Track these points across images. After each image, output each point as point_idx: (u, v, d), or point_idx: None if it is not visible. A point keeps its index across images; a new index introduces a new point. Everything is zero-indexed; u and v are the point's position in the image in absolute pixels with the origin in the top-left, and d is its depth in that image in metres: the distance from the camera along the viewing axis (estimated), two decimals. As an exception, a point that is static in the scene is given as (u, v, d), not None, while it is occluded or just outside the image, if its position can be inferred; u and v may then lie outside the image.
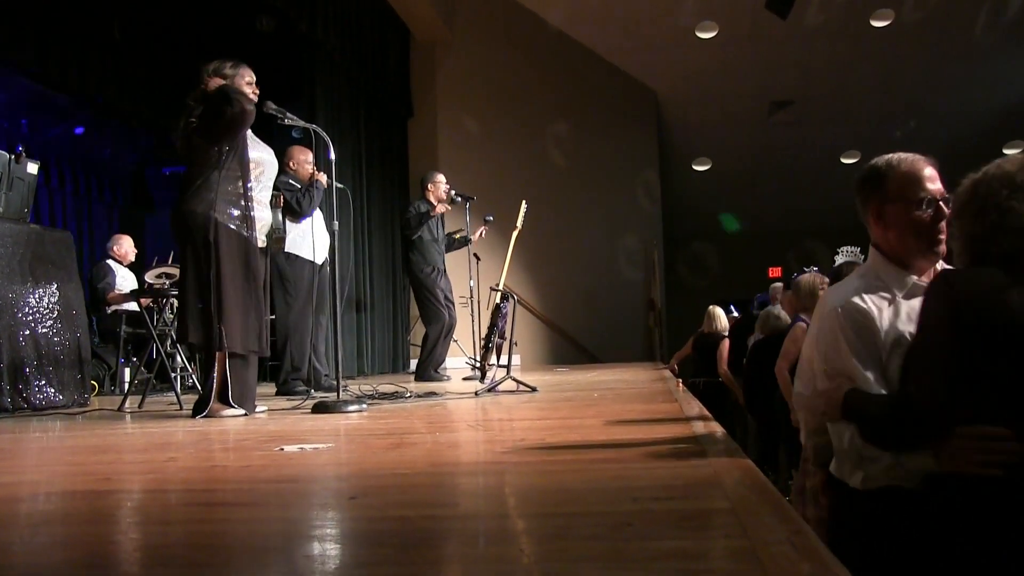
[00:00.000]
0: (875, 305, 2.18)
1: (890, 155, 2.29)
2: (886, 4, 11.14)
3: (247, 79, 4.37)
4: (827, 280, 5.20)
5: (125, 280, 7.77)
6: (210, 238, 4.08)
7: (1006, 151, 13.79)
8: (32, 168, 5.43)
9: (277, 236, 4.59)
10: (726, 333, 8.61)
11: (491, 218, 7.89)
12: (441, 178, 7.73)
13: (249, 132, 4.40)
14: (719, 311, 8.88)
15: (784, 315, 6.20)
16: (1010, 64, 12.28)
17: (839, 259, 5.07)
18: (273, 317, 5.72)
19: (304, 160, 6.31)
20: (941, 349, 1.84)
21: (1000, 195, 1.87)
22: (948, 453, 1.83)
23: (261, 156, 4.40)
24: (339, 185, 6.08)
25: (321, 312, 6.20)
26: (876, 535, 1.96)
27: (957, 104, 12.86)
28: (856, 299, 2.19)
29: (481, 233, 7.90)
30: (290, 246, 5.96)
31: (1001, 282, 1.77)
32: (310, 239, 5.97)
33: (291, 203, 5.87)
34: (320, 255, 6.12)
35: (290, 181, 6.10)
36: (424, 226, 7.43)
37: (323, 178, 6.11)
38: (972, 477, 1.76)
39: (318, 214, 6.17)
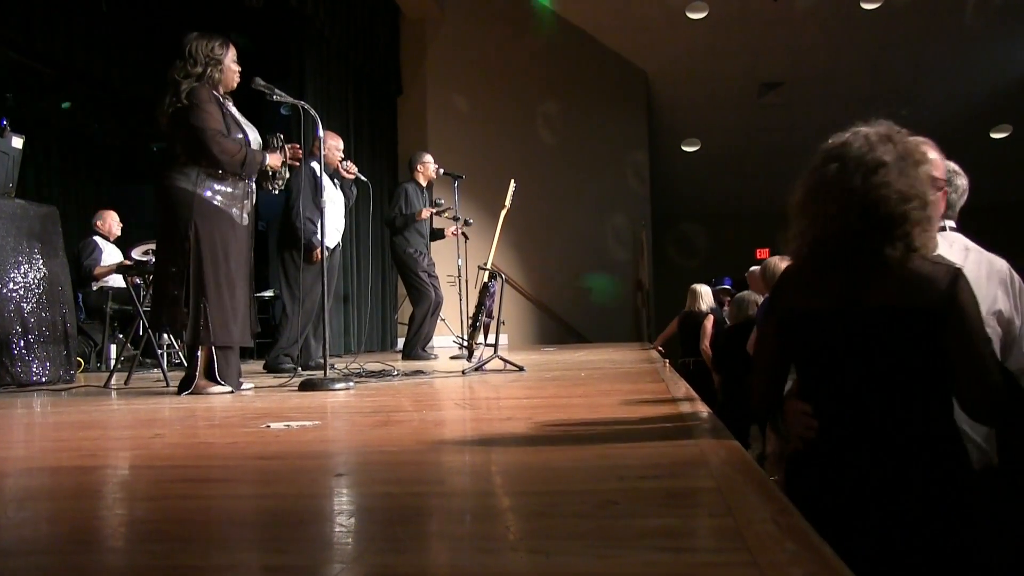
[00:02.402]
0: None
1: None
2: (877, -14, 11.14)
3: (232, 57, 4.36)
4: None
5: (111, 256, 7.73)
6: (191, 220, 4.05)
7: (993, 135, 13.85)
8: (17, 142, 5.38)
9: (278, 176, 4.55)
10: (706, 310, 8.58)
11: (472, 222, 7.85)
12: (429, 158, 7.69)
13: (235, 110, 4.37)
14: (702, 289, 8.82)
15: (758, 299, 6.18)
16: (999, 48, 12.30)
17: None
18: (276, 294, 5.73)
19: (335, 146, 6.31)
20: (766, 336, 2.10)
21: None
22: (784, 424, 2.01)
23: (251, 136, 4.37)
24: (362, 178, 6.10)
25: (328, 296, 6.19)
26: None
27: (946, 87, 12.88)
28: None
29: (455, 231, 7.83)
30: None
31: (793, 275, 2.01)
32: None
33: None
34: (332, 239, 6.11)
35: (314, 163, 6.09)
36: (410, 207, 7.40)
37: (352, 168, 6.15)
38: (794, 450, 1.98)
39: (334, 199, 6.16)
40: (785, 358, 2.06)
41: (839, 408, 1.90)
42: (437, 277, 7.57)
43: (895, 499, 1.81)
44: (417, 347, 7.35)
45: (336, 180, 6.31)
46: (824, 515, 1.79)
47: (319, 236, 6.01)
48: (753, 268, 7.27)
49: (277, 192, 4.72)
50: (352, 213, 9.49)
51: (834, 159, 1.91)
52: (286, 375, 5.20)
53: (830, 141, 1.97)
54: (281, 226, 6.26)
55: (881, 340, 1.85)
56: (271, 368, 5.90)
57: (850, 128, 1.98)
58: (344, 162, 6.33)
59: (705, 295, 8.72)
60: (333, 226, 6.10)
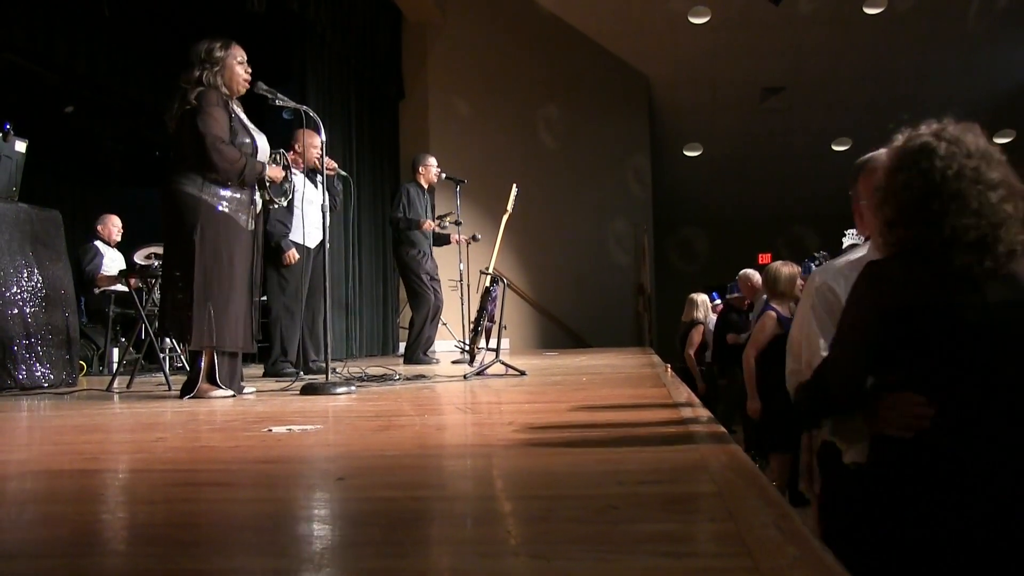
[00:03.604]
0: None
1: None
2: (879, -9, 11.16)
3: (238, 59, 4.32)
4: (799, 269, 5.23)
5: (113, 261, 7.73)
6: (196, 225, 4.05)
7: (996, 140, 13.82)
8: (20, 146, 5.39)
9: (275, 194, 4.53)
10: (701, 319, 8.63)
11: (479, 237, 7.85)
12: (432, 161, 7.68)
13: (244, 116, 4.37)
14: (699, 298, 8.88)
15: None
16: (1001, 53, 12.31)
17: (846, 241, 5.05)
18: (265, 299, 5.71)
19: (311, 144, 6.27)
20: (865, 328, 1.99)
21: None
22: (873, 416, 1.96)
23: (258, 142, 4.37)
24: (343, 173, 6.07)
25: (315, 296, 6.17)
26: (857, 511, 2.00)
27: (948, 92, 12.87)
28: (832, 282, 2.27)
29: (460, 238, 7.83)
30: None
31: (917, 272, 1.92)
32: (301, 224, 5.95)
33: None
34: (312, 239, 6.09)
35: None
36: (412, 208, 7.40)
37: (332, 164, 6.11)
38: (893, 440, 1.91)
39: (311, 199, 6.14)
40: (875, 353, 1.97)
41: (962, 400, 1.84)
42: (439, 280, 7.56)
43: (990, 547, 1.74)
44: (418, 351, 7.34)
45: (318, 178, 6.24)
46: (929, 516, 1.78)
47: (289, 239, 6.03)
48: (743, 271, 7.28)
49: (277, 207, 4.70)
50: (353, 217, 9.52)
51: (965, 156, 1.87)
52: (288, 379, 5.20)
53: (925, 140, 1.92)
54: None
55: (1004, 334, 1.83)
56: (272, 374, 5.90)
57: (929, 124, 1.95)
58: (323, 159, 6.28)
59: (700, 304, 8.75)
60: (312, 225, 6.06)
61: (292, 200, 4.60)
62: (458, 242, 7.81)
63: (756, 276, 7.09)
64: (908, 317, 1.89)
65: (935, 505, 1.79)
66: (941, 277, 1.87)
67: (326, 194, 4.68)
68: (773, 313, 5.22)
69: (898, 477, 1.89)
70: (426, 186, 7.60)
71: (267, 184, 4.37)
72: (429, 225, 7.39)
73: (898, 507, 1.84)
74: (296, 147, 6.06)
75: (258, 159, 4.32)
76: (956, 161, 1.86)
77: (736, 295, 8.28)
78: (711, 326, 8.62)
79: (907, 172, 1.92)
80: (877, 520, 1.88)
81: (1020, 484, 1.77)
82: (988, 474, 1.78)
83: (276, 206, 4.65)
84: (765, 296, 6.42)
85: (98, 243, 7.83)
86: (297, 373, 5.56)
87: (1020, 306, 1.83)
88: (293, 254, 6.00)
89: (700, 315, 8.72)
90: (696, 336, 8.50)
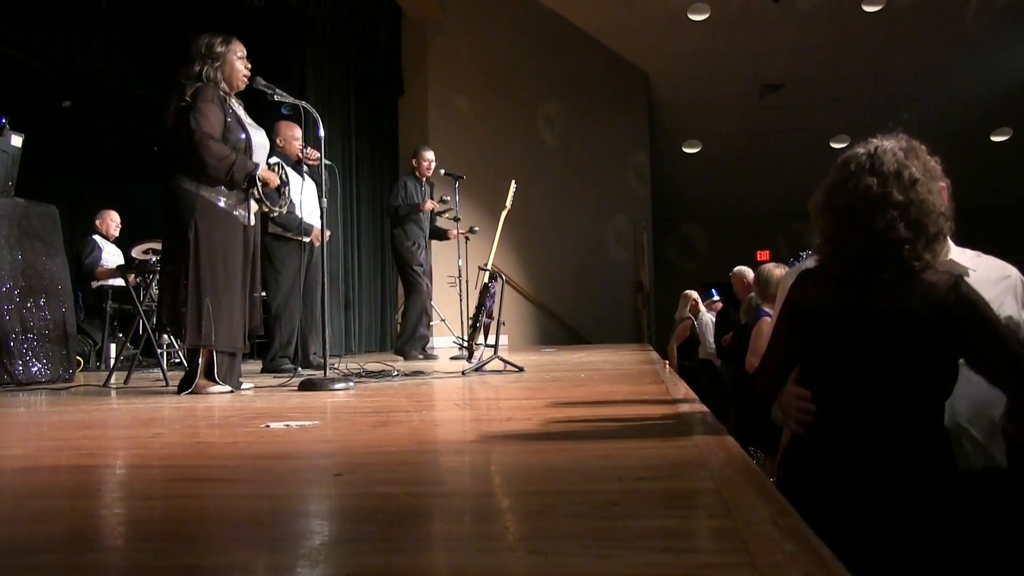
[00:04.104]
0: None
1: None
2: (878, -12, 11.16)
3: (238, 54, 4.31)
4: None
5: (111, 256, 7.73)
6: (194, 221, 4.04)
7: (994, 138, 13.85)
8: (16, 141, 5.38)
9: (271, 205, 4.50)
10: (689, 315, 8.66)
11: (477, 230, 7.86)
12: (427, 155, 7.66)
13: (244, 114, 4.36)
14: (688, 295, 8.89)
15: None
16: (999, 51, 12.31)
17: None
18: (263, 294, 5.70)
19: (291, 136, 6.25)
20: (781, 329, 2.20)
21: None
22: (782, 409, 2.12)
23: (256, 138, 4.35)
24: (327, 162, 6.05)
25: (312, 291, 6.17)
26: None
27: (947, 90, 12.89)
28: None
29: (457, 233, 7.86)
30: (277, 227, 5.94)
31: (813, 274, 2.12)
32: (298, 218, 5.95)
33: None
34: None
35: (274, 158, 6.07)
36: (409, 199, 7.41)
37: (315, 154, 6.06)
38: (824, 394, 2.05)
39: (307, 193, 6.14)
40: (792, 351, 2.15)
41: (836, 401, 2.00)
42: (429, 273, 7.59)
43: (881, 493, 1.89)
44: (412, 344, 7.37)
45: (304, 170, 6.26)
46: (814, 504, 1.86)
47: (306, 221, 6.02)
48: (737, 268, 7.28)
49: (274, 214, 4.66)
50: (351, 214, 9.53)
51: (870, 173, 1.97)
52: (286, 375, 5.20)
53: (855, 151, 2.05)
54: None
55: (883, 340, 1.94)
56: (270, 370, 5.89)
57: (865, 140, 2.06)
58: (305, 149, 6.28)
59: (689, 301, 8.77)
60: (308, 220, 6.07)
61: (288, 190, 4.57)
62: (456, 237, 7.82)
63: (749, 273, 7.10)
64: (805, 318, 2.08)
65: (815, 493, 1.94)
66: (834, 282, 2.02)
67: (322, 185, 4.67)
68: (767, 318, 5.21)
69: (794, 467, 2.09)
70: (423, 179, 7.60)
71: (260, 187, 4.26)
72: (429, 204, 7.42)
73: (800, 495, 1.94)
74: (278, 141, 6.06)
75: (256, 156, 4.32)
76: (857, 178, 1.98)
77: (715, 299, 8.41)
78: (708, 322, 8.64)
79: (827, 182, 2.08)
80: (817, 473, 2.01)
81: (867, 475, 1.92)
82: (848, 481, 1.93)
83: (275, 215, 4.60)
84: (752, 297, 6.45)
85: (97, 237, 7.83)
86: (295, 369, 5.56)
87: (904, 316, 1.92)
88: (317, 232, 6.01)
89: (688, 310, 8.75)
90: (682, 331, 8.54)
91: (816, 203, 2.08)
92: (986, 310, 1.94)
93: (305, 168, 6.30)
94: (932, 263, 1.96)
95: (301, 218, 5.98)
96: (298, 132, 6.32)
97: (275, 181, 4.37)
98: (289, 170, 6.13)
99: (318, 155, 6.14)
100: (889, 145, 2.02)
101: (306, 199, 6.09)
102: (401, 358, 7.23)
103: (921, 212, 1.94)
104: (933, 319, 1.89)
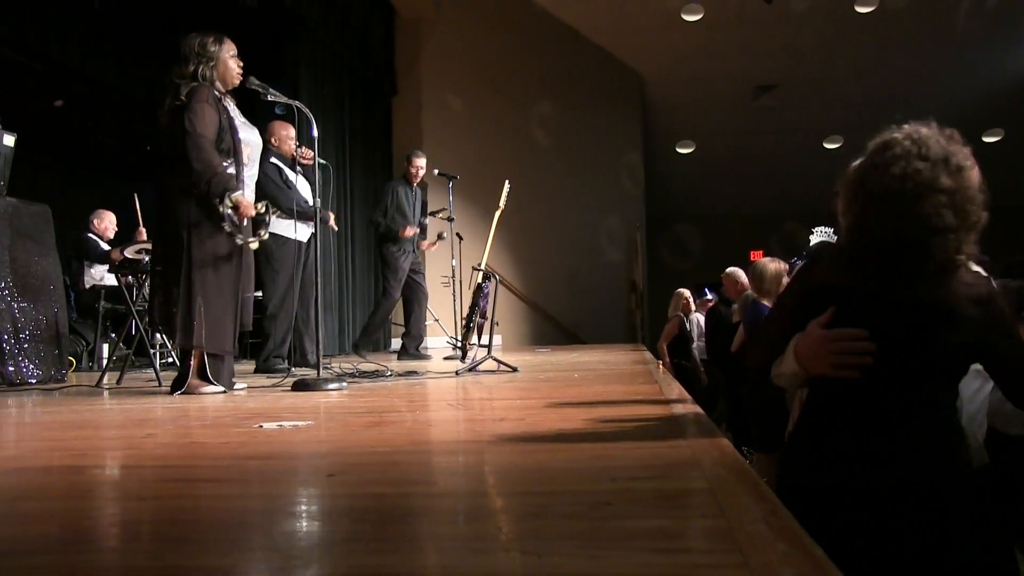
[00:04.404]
0: None
1: None
2: (871, -11, 11.19)
3: (231, 53, 4.31)
4: (787, 265, 5.21)
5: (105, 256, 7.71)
6: (186, 221, 4.02)
7: (986, 139, 13.90)
8: (8, 140, 5.36)
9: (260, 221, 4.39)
10: (679, 313, 8.66)
11: (444, 235, 7.81)
12: (420, 163, 7.56)
13: (237, 112, 4.34)
14: (680, 293, 8.88)
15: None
16: (991, 52, 12.36)
17: (813, 239, 5.06)
18: (259, 294, 5.68)
19: (286, 136, 6.25)
20: (789, 303, 2.08)
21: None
22: (807, 356, 1.91)
23: (248, 137, 4.34)
24: (321, 161, 6.04)
25: (307, 291, 6.16)
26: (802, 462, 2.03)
27: (939, 91, 12.92)
28: None
29: (431, 245, 7.83)
30: (274, 226, 5.92)
31: (838, 255, 2.02)
32: (293, 220, 5.93)
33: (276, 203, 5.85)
34: (304, 233, 6.08)
35: (273, 159, 6.06)
36: (399, 209, 7.35)
37: (309, 154, 6.04)
38: (832, 384, 1.91)
39: (302, 193, 6.13)
40: (796, 330, 2.00)
41: (853, 388, 1.89)
42: (422, 273, 7.59)
43: (892, 487, 1.83)
44: (363, 343, 7.47)
45: (298, 169, 6.27)
46: (823, 499, 1.84)
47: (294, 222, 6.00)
48: (729, 269, 7.30)
49: (248, 244, 4.30)
50: (345, 214, 9.51)
51: (919, 157, 1.87)
52: (279, 375, 5.19)
53: (893, 136, 1.94)
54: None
55: (920, 332, 1.86)
56: (264, 370, 5.88)
57: (899, 127, 1.96)
58: (299, 149, 6.27)
59: (679, 300, 8.79)
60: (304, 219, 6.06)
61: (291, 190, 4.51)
62: (426, 248, 7.78)
63: (742, 274, 7.12)
64: (830, 295, 1.93)
65: (873, 450, 1.86)
66: (873, 268, 1.90)
67: (315, 184, 4.65)
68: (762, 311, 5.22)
69: (802, 457, 1.96)
70: (413, 184, 7.55)
71: (231, 207, 4.06)
72: (409, 232, 7.34)
73: (839, 453, 1.89)
74: (272, 140, 6.05)
75: (250, 155, 4.31)
76: (905, 162, 1.86)
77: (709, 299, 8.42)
78: (698, 321, 8.66)
79: (863, 165, 1.95)
80: (822, 469, 1.92)
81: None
82: (858, 474, 1.86)
83: (245, 245, 4.25)
84: (748, 293, 6.46)
85: (92, 236, 7.80)
86: (288, 369, 5.55)
87: (935, 311, 1.86)
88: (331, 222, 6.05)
89: (677, 309, 8.76)
90: (671, 329, 8.56)
91: (850, 184, 1.96)
92: (1013, 323, 1.92)
93: (299, 169, 6.29)
94: (970, 258, 1.90)
95: (306, 201, 5.96)
96: (292, 131, 6.31)
97: (248, 212, 4.16)
98: (287, 171, 6.14)
99: (312, 154, 6.14)
100: (927, 131, 1.93)
101: (301, 198, 6.08)
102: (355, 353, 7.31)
103: (966, 199, 1.85)
104: (974, 321, 1.84)
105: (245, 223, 4.22)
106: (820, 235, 5.00)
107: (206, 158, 4.03)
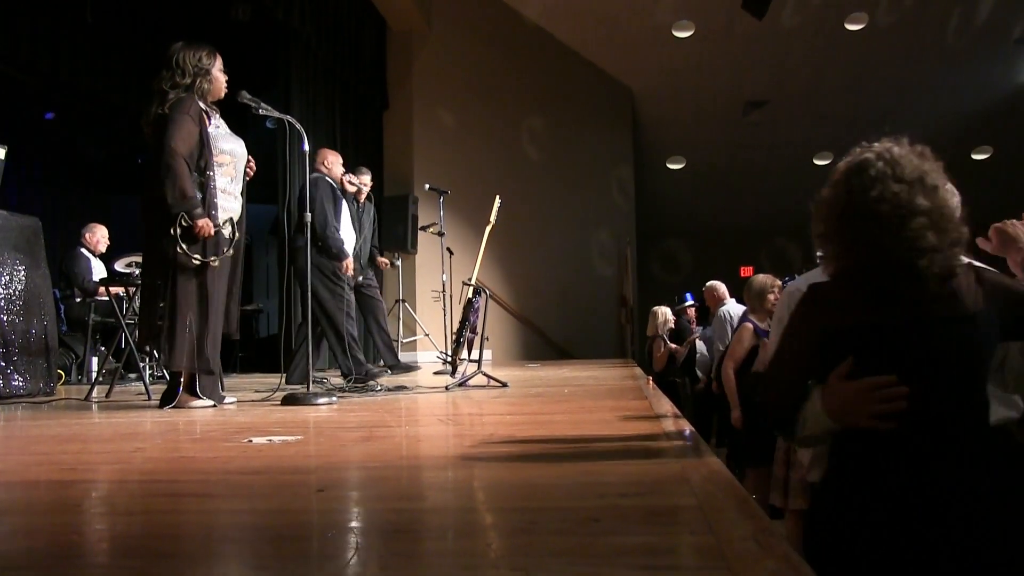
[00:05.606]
0: None
1: None
2: (860, 7, 11.26)
3: (218, 65, 4.34)
4: (779, 282, 5.24)
5: (97, 270, 7.68)
6: (174, 235, 3.98)
7: (974, 156, 13.99)
8: (-1, 153, 5.35)
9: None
10: (660, 332, 8.44)
11: (397, 263, 7.73)
12: (366, 178, 7.06)
13: (223, 124, 4.34)
14: (658, 311, 8.62)
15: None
16: (980, 69, 12.46)
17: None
18: (260, 307, 5.70)
19: (336, 162, 6.37)
20: (803, 350, 1.96)
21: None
22: (841, 412, 1.85)
23: (233, 148, 4.33)
24: (365, 189, 6.22)
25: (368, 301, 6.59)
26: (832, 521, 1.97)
27: (928, 108, 13.02)
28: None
29: (384, 263, 7.68)
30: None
31: (853, 293, 1.91)
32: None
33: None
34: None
35: (326, 178, 6.16)
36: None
37: (355, 180, 6.29)
38: (869, 435, 1.82)
39: (347, 214, 6.27)
40: (814, 373, 1.94)
41: (901, 425, 1.81)
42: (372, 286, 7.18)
43: (971, 507, 1.75)
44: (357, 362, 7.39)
45: (348, 195, 6.42)
46: (865, 552, 1.76)
47: (346, 248, 6.07)
48: (709, 283, 7.31)
49: (198, 263, 4.12)
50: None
51: (894, 179, 1.85)
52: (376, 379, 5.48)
53: (866, 157, 1.91)
54: (298, 242, 5.57)
55: (945, 350, 1.82)
56: (360, 383, 5.55)
57: (869, 145, 1.95)
58: (345, 175, 6.40)
59: (656, 318, 8.52)
60: (349, 238, 6.19)
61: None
62: (384, 266, 7.72)
63: (721, 287, 7.19)
64: (847, 338, 1.87)
65: (911, 502, 1.77)
66: (874, 297, 1.86)
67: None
68: (750, 325, 5.24)
69: (866, 475, 1.85)
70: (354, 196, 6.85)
71: (183, 221, 4.01)
72: (349, 271, 6.39)
73: (872, 509, 1.81)
74: (323, 165, 6.20)
75: (235, 166, 4.31)
76: (882, 184, 1.84)
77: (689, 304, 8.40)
78: (701, 348, 8.60)
79: (837, 187, 1.93)
80: (854, 526, 1.84)
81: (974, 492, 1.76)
82: (950, 475, 1.78)
83: (197, 263, 4.10)
84: (725, 307, 6.52)
85: (83, 250, 7.77)
86: (382, 373, 5.86)
87: (958, 322, 1.83)
88: (348, 264, 6.11)
89: (658, 327, 8.50)
90: (657, 351, 8.35)
91: (827, 215, 1.93)
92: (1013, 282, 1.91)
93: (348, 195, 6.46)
94: (959, 270, 1.86)
95: (342, 241, 6.08)
96: (340, 159, 6.44)
97: (207, 231, 4.06)
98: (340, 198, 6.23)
99: (358, 181, 6.38)
100: (900, 150, 1.91)
101: (346, 224, 6.19)
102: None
103: (943, 218, 1.82)
104: (975, 315, 1.82)
105: (213, 241, 4.15)
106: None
107: (177, 171, 4.00)
